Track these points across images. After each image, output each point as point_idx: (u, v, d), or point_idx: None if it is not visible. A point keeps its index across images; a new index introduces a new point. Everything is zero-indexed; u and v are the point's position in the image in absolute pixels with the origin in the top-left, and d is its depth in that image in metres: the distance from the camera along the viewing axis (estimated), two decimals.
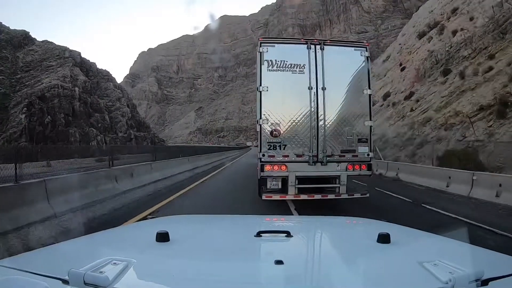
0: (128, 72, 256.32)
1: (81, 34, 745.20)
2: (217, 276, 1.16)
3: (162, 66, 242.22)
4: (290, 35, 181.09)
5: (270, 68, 6.81)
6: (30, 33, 77.48)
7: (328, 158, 6.87)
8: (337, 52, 7.07)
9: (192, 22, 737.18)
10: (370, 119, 7.09)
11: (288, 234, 1.54)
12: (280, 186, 7.00)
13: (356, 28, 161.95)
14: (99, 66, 78.05)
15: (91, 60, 79.13)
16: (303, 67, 6.85)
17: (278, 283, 1.10)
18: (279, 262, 1.17)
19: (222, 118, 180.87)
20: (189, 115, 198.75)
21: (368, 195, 7.25)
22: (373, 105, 8.06)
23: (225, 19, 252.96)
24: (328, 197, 6.85)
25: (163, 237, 1.44)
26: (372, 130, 7.19)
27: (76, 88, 55.33)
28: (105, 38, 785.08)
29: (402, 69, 36.90)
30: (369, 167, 7.09)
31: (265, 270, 1.21)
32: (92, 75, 73.08)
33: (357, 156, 6.98)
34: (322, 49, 6.94)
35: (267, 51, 6.84)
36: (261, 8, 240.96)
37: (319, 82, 6.84)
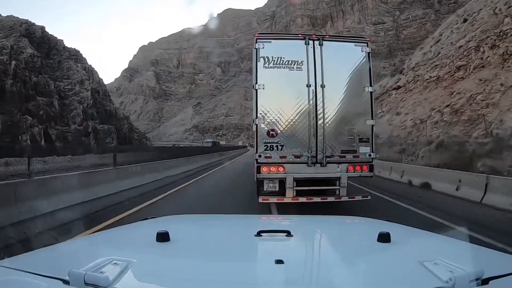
0: (127, 66, 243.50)
1: (81, 26, 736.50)
2: (217, 276, 1.16)
3: (162, 60, 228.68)
4: (299, 26, 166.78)
5: (266, 65, 6.44)
6: None
7: (327, 159, 6.51)
8: (336, 48, 6.69)
9: (195, 15, 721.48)
10: (372, 118, 6.68)
11: (288, 234, 1.54)
12: (277, 189, 6.63)
13: (373, 19, 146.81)
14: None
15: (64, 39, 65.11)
16: (300, 64, 6.46)
17: (278, 283, 1.10)
18: (279, 261, 1.17)
19: (222, 114, 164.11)
20: (186, 111, 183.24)
21: (369, 197, 6.82)
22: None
23: (229, 12, 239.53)
24: (328, 200, 6.49)
25: (163, 237, 1.43)
26: (374, 130, 6.75)
27: (13, 62, 40.84)
28: (106, 32, 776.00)
29: None
30: (371, 168, 6.67)
31: (265, 269, 1.21)
32: (55, 53, 58.98)
33: (358, 156, 6.59)
34: (320, 44, 6.53)
35: (263, 48, 6.48)
36: (268, 1, 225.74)
37: (317, 79, 6.46)
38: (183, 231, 1.84)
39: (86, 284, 0.94)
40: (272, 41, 6.56)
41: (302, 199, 6.41)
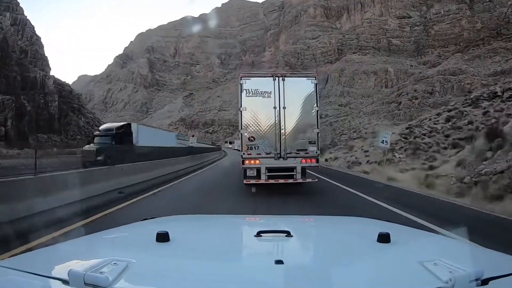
0: (121, 52, 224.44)
1: (78, 12, 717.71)
2: (217, 276, 1.17)
3: (158, 47, 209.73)
4: (311, 17, 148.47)
5: (247, 94, 9.55)
6: None
7: (288, 155, 9.63)
8: (294, 81, 9.87)
9: (198, 3, 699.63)
10: (318, 128, 9.74)
11: (288, 234, 1.54)
12: (255, 174, 9.78)
13: (396, 12, 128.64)
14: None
15: None
16: (270, 93, 9.56)
17: (278, 283, 1.10)
18: (279, 261, 1.18)
19: (215, 108, 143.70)
20: (175, 102, 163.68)
21: (316, 180, 10.62)
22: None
23: (234, 2, 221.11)
24: (288, 181, 9.68)
25: (163, 237, 1.43)
26: (319, 135, 9.83)
27: None
28: (105, 18, 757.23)
29: None
30: (317, 161, 9.96)
31: (265, 270, 1.20)
32: None
33: (308, 153, 9.68)
34: (283, 80, 9.62)
35: (245, 83, 9.58)
36: None
37: (281, 103, 9.52)
38: (182, 232, 1.84)
39: (85, 284, 0.94)
40: (252, 78, 9.83)
41: (272, 181, 9.56)
